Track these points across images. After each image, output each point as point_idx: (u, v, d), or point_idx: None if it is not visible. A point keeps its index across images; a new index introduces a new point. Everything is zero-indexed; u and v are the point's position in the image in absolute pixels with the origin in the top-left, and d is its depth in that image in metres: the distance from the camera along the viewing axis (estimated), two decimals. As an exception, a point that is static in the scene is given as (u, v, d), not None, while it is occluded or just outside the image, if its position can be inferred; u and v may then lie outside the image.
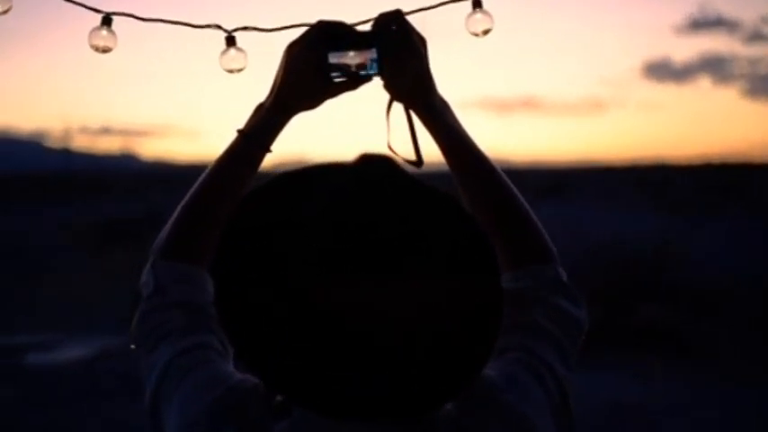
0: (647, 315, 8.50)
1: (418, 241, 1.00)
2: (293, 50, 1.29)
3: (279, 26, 1.38)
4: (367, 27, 1.32)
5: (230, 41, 1.38)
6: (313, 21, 1.34)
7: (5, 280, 14.33)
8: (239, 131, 1.30)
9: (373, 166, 1.04)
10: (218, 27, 1.38)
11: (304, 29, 1.33)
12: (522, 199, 1.28)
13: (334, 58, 1.28)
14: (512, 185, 1.28)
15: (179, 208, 1.29)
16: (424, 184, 1.04)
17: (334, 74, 1.29)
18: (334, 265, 0.99)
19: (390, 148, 1.31)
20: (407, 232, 1.00)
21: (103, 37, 1.39)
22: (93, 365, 9.13)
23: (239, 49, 1.39)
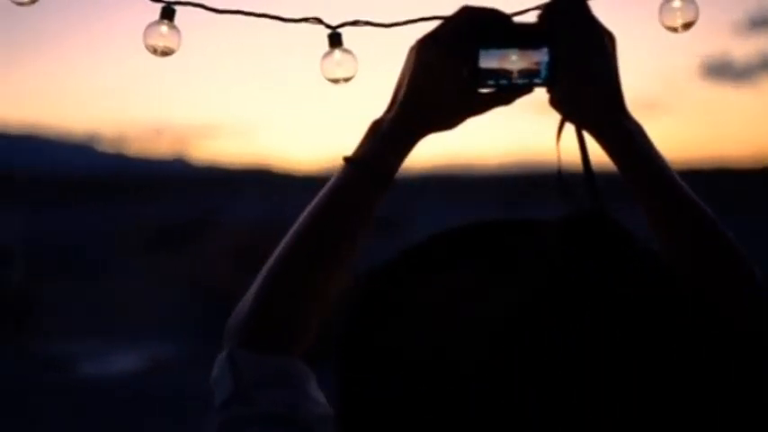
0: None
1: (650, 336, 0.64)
2: (426, 49, 0.93)
3: (400, 20, 1.02)
4: (528, 17, 0.96)
5: (335, 40, 1.02)
6: (446, 12, 0.98)
7: (56, 284, 14.16)
8: (347, 160, 0.94)
9: (584, 226, 0.67)
10: (319, 21, 1.02)
11: (436, 23, 0.97)
12: (747, 260, 0.90)
13: (487, 61, 0.91)
14: (734, 241, 0.91)
15: (263, 273, 0.92)
16: (652, 251, 0.69)
17: (486, 82, 0.92)
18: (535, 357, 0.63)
19: (562, 182, 0.94)
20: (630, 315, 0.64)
21: (163, 35, 1.03)
22: (145, 377, 8.88)
23: (347, 51, 1.02)
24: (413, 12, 1.03)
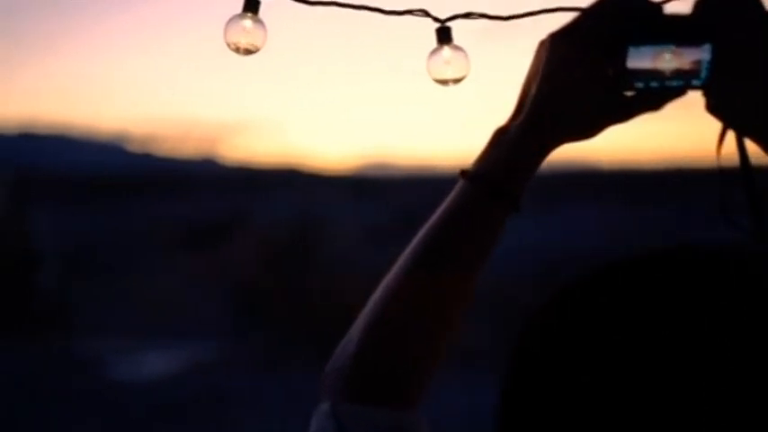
0: None
1: None
2: (562, 45, 0.80)
3: (520, 12, 0.89)
4: (678, 6, 0.82)
5: (444, 36, 0.89)
6: (571, 3, 0.85)
7: (86, 285, 14.12)
8: (466, 174, 0.81)
9: None
10: (426, 14, 0.89)
11: (562, 16, 0.84)
12: None
13: (637, 60, 0.78)
14: None
15: (368, 309, 0.79)
16: None
17: (634, 84, 0.79)
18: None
19: (725, 210, 0.80)
20: None
21: (247, 30, 0.90)
22: (179, 378, 8.78)
23: (457, 49, 0.89)
24: (531, 3, 0.90)
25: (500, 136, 0.81)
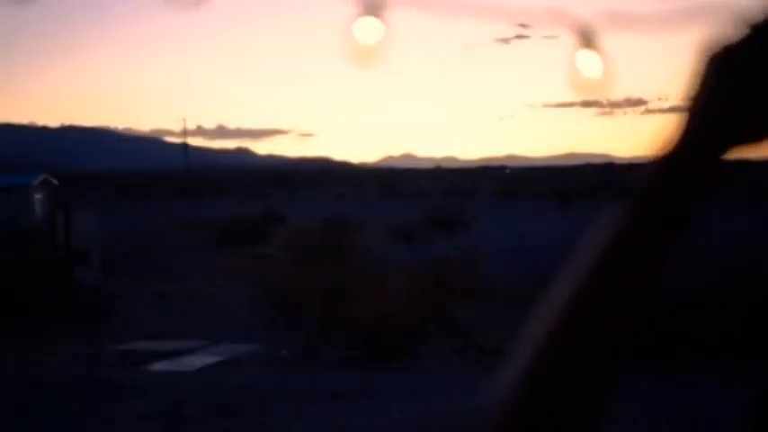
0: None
1: None
2: (732, 55, 0.72)
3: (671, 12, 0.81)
4: None
5: (588, 41, 0.81)
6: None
7: (127, 279, 14.16)
8: (628, 194, 0.73)
9: None
10: (566, 17, 0.82)
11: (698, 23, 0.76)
12: None
13: None
14: None
15: (531, 346, 0.71)
16: None
17: None
18: None
19: None
20: None
21: (367, 35, 0.83)
22: (218, 374, 8.74)
23: (599, 52, 0.82)
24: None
25: (668, 153, 0.73)
